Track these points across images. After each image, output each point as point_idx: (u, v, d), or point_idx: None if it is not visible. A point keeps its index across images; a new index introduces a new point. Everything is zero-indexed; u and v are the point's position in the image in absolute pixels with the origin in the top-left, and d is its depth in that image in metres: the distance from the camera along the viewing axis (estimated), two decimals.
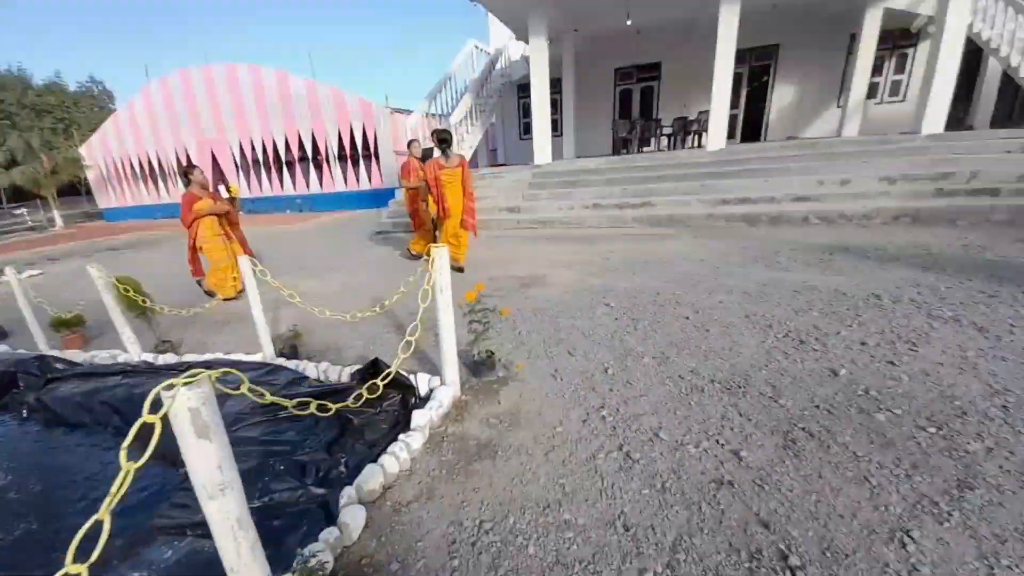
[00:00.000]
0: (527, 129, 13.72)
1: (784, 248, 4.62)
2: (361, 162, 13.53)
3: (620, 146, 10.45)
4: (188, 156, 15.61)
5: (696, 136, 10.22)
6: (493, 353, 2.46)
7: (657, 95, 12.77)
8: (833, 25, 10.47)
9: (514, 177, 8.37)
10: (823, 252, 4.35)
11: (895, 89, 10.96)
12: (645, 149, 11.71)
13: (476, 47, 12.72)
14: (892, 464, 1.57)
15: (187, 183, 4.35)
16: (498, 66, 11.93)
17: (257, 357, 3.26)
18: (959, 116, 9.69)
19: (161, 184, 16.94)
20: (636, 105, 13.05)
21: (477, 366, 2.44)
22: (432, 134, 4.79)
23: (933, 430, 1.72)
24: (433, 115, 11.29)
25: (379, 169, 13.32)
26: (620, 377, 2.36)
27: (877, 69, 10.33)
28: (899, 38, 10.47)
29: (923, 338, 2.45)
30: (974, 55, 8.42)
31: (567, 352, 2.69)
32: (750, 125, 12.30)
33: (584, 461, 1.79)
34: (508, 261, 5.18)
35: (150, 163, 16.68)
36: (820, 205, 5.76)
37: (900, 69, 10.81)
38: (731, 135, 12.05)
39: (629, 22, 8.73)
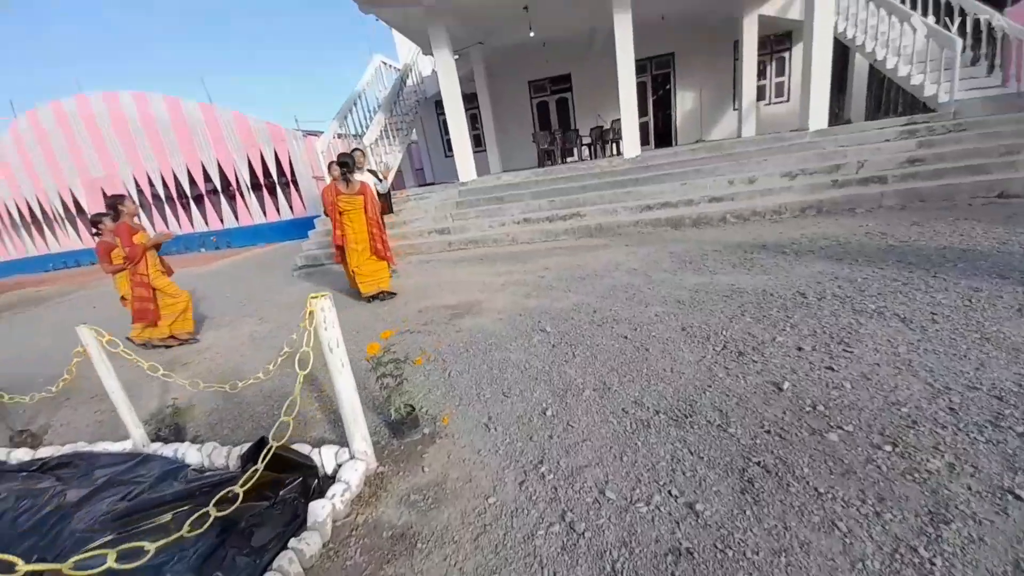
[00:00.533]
0: (451, 146, 13.51)
1: (709, 250, 4.68)
2: (278, 190, 12.53)
3: (544, 158, 10.49)
4: (75, 198, 13.67)
5: (614, 144, 10.51)
6: (414, 408, 2.09)
7: (572, 106, 13.10)
8: (718, 33, 11.34)
9: (441, 197, 8.03)
10: (745, 251, 4.44)
11: (779, 90, 12.06)
12: (569, 159, 11.89)
13: (384, 63, 12.32)
14: (857, 500, 1.41)
15: (116, 216, 3.93)
16: (409, 82, 11.60)
17: (126, 445, 2.63)
18: (836, 111, 10.82)
19: (48, 232, 14.65)
20: (554, 116, 13.29)
21: (397, 425, 2.05)
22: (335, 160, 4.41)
23: (889, 448, 1.60)
24: (344, 136, 10.71)
25: (300, 196, 12.41)
26: (560, 418, 2.08)
27: (762, 73, 11.32)
28: (776, 43, 11.55)
29: (854, 336, 2.43)
30: (842, 53, 9.41)
31: (502, 393, 2.38)
32: (661, 131, 12.96)
33: (521, 542, 1.47)
34: (440, 287, 4.81)
35: (31, 210, 14.37)
36: (734, 204, 6.00)
37: (781, 72, 11.92)
38: (645, 142, 12.65)
39: (532, 34, 8.79)
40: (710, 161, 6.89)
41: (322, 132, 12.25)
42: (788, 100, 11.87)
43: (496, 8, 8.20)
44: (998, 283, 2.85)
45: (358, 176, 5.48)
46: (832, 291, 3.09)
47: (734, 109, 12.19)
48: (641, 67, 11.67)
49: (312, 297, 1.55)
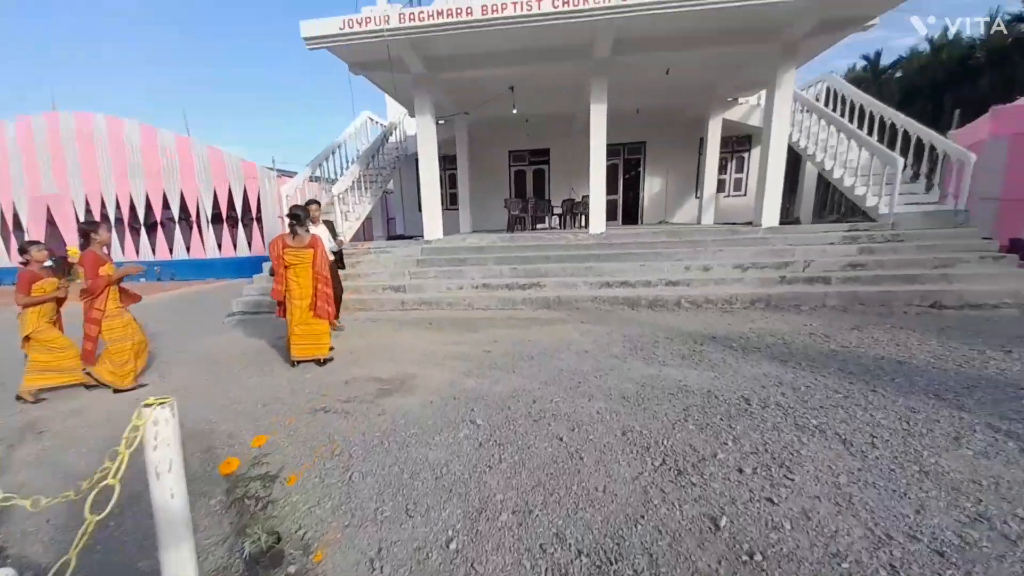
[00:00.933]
0: None
1: (661, 337, 4.61)
2: (240, 226, 12.10)
3: (514, 223, 10.66)
4: (16, 215, 12.78)
5: (583, 217, 10.85)
6: (280, 538, 1.70)
7: (548, 177, 13.67)
8: (686, 129, 12.35)
9: (403, 253, 7.86)
10: (695, 342, 4.39)
11: (738, 185, 13.02)
12: (539, 226, 12.17)
13: (371, 119, 12.64)
14: None
15: (85, 244, 3.70)
16: (392, 139, 11.85)
17: None
18: (787, 207, 11.67)
19: None
20: (530, 184, 13.79)
21: (252, 563, 1.64)
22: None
23: None
24: (317, 180, 10.65)
25: (261, 235, 12.03)
26: (465, 556, 1.74)
27: (723, 168, 12.24)
28: (737, 144, 12.64)
29: (796, 459, 2.27)
30: (795, 157, 10.31)
31: (405, 511, 2.03)
32: (629, 209, 13.59)
33: None
34: (378, 353, 4.47)
35: None
36: (689, 290, 6.09)
37: (740, 169, 12.94)
38: (613, 217, 13.17)
39: (516, 111, 9.26)
40: (670, 245, 7.10)
41: (294, 173, 12.22)
42: (745, 195, 12.78)
43: (483, 85, 8.63)
44: (934, 404, 2.82)
45: (312, 229, 5.28)
46: (776, 399, 2.98)
47: (696, 197, 12.99)
48: (615, 151, 12.44)
49: (146, 405, 1.23)
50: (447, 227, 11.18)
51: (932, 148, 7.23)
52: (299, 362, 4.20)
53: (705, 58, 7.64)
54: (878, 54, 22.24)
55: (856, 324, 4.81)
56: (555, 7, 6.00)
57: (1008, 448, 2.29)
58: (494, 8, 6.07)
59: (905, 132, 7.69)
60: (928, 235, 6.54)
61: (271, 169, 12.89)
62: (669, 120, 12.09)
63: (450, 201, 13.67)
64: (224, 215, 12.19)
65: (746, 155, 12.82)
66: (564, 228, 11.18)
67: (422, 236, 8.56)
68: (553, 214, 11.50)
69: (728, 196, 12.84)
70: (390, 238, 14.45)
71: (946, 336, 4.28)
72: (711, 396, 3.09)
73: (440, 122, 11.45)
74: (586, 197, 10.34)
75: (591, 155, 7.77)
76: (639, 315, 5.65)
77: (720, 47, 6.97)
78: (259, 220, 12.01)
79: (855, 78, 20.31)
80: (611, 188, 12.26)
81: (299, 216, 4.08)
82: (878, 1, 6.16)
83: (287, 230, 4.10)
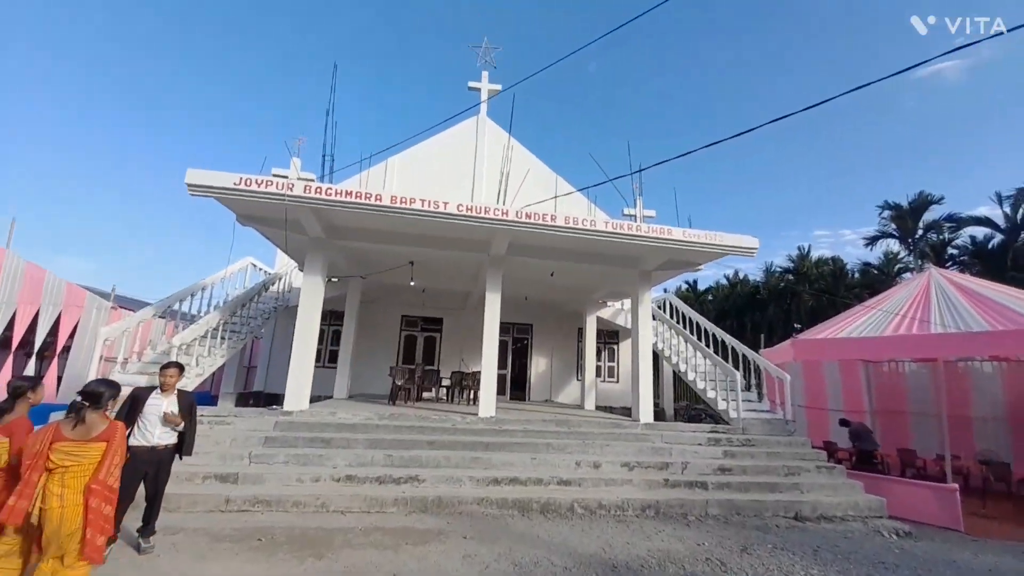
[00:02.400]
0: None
1: (559, 568, 3.89)
2: (33, 359, 9.00)
3: (398, 393, 9.75)
4: None
5: (472, 392, 10.45)
6: None
7: (440, 345, 13.47)
8: (568, 319, 13.74)
9: (249, 426, 6.32)
10: (597, 575, 3.76)
11: (611, 372, 14.22)
12: (426, 394, 11.34)
13: (253, 265, 11.81)
14: None
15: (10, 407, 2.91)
16: (274, 288, 10.93)
17: None
18: (654, 399, 12.82)
19: None
20: (420, 350, 13.34)
21: None
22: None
23: None
24: (172, 316, 8.90)
25: (58, 374, 9.01)
26: None
27: (598, 356, 13.45)
28: (608, 336, 14.25)
29: None
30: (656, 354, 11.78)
31: None
32: (517, 383, 13.69)
33: None
34: None
35: None
36: (582, 492, 5.66)
37: (612, 359, 14.35)
38: (502, 391, 13.02)
39: (413, 283, 9.37)
40: (560, 436, 6.88)
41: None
42: (618, 381, 13.91)
43: (382, 257, 8.75)
44: None
45: (155, 400, 3.90)
46: None
47: (577, 379, 13.74)
48: (505, 328, 13.05)
49: None
50: (320, 386, 9.79)
51: (755, 364, 8.87)
52: None
53: (583, 270, 8.94)
54: (695, 280, 29.36)
55: (743, 543, 4.71)
56: (459, 211, 6.66)
57: None
58: (403, 200, 6.52)
59: (733, 349, 9.42)
60: (771, 442, 7.39)
61: (108, 301, 10.62)
62: (553, 310, 13.43)
63: (329, 358, 12.37)
64: (13, 342, 9.14)
65: (616, 347, 14.44)
66: (452, 401, 10.53)
67: (281, 405, 7.15)
68: (441, 385, 10.91)
69: (604, 381, 13.81)
70: (243, 394, 12.08)
71: (824, 562, 4.35)
72: None
73: (333, 280, 11.08)
74: (477, 372, 10.17)
75: (484, 336, 7.86)
76: (532, 525, 4.90)
77: (594, 264, 8.27)
78: (66, 350, 9.19)
79: (682, 296, 25.96)
80: (501, 363, 12.40)
81: (98, 395, 2.91)
82: (701, 257, 8.12)
83: (62, 421, 2.80)
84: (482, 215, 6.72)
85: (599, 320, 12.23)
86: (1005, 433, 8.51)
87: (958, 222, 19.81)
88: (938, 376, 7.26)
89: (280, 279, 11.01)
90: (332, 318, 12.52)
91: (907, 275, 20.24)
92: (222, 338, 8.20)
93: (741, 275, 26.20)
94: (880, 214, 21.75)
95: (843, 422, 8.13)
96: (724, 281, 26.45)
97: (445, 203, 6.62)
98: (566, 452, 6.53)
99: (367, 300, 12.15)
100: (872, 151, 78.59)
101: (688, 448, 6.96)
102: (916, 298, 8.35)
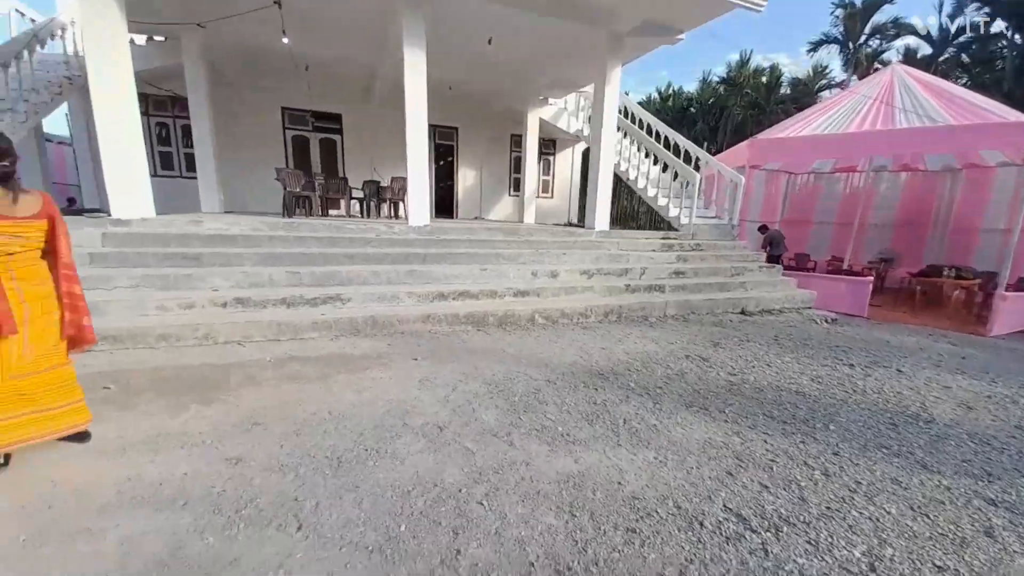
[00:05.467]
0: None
1: (540, 380, 3.19)
2: None
3: (295, 206, 7.74)
4: None
5: (392, 206, 8.77)
6: None
7: (342, 151, 10.86)
8: (500, 123, 11.63)
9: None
10: (586, 385, 3.14)
11: (546, 187, 13.15)
12: (333, 211, 9.42)
13: (18, 11, 7.54)
14: None
15: None
16: (62, 48, 7.08)
17: None
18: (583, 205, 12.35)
19: None
20: (316, 157, 10.68)
21: None
22: None
23: None
24: None
25: None
26: None
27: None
28: (544, 147, 12.65)
29: None
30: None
31: None
32: (441, 202, 12.12)
33: None
34: None
35: None
36: (541, 302, 4.97)
37: (547, 172, 13.10)
38: None
39: (286, 40, 6.40)
40: (510, 245, 5.89)
41: None
42: (552, 196, 12.99)
43: None
44: (919, 474, 2.22)
45: None
46: (776, 509, 1.88)
47: (510, 195, 12.52)
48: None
49: None
50: (180, 202, 7.45)
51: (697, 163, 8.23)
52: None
53: (532, 32, 6.67)
54: (627, 92, 27.24)
55: (711, 339, 4.51)
56: None
57: None
58: None
59: (687, 152, 8.57)
60: (719, 245, 7.24)
61: None
62: (484, 108, 11.08)
63: (187, 166, 9.35)
64: None
65: (552, 158, 13.04)
66: (367, 216, 8.82)
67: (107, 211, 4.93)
68: (352, 197, 8.94)
69: (539, 197, 12.80)
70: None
71: (785, 349, 4.30)
72: (687, 518, 1.78)
73: (157, 38, 7.44)
74: (395, 180, 8.29)
75: (407, 118, 5.84)
76: (492, 339, 4.14)
77: (549, 17, 6.03)
78: None
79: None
80: None
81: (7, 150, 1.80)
82: (693, 12, 6.28)
83: None
84: None
85: (543, 124, 10.39)
86: (892, 238, 9.45)
87: (899, 28, 19.33)
88: (864, 186, 7.30)
89: (64, 30, 7.01)
90: (177, 107, 9.01)
91: (826, 93, 20.36)
92: None
93: (674, 88, 24.62)
94: (832, 12, 20.46)
95: (762, 228, 8.24)
96: (656, 95, 24.72)
97: None
98: (519, 262, 5.64)
99: (221, 80, 8.69)
100: None
101: (644, 254, 6.50)
102: (881, 95, 7.80)
